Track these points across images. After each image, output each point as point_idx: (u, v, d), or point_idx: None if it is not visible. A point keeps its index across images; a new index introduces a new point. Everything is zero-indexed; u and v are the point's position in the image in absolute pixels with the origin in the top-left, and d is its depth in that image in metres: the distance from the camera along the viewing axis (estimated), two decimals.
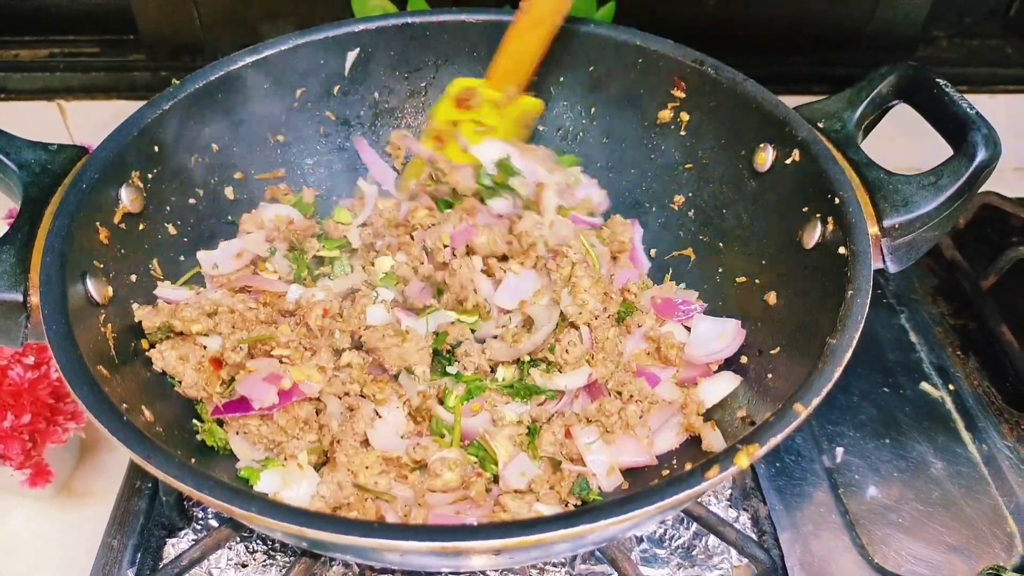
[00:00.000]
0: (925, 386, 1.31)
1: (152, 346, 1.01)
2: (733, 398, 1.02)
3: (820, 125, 1.05)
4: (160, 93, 1.08)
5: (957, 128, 0.97)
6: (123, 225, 1.01)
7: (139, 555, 1.05)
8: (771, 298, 1.05)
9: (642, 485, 0.93)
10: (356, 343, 1.06)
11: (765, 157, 1.08)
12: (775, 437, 0.78)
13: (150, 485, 1.11)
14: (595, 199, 1.26)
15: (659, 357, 1.08)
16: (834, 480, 1.17)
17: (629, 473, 1.00)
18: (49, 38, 1.63)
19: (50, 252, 0.88)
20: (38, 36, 1.63)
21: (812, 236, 0.99)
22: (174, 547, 1.08)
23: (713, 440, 0.96)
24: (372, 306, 1.09)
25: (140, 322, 1.01)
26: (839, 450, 1.22)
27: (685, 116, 1.18)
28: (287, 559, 1.07)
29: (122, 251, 1.01)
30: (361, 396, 1.02)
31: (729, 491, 1.15)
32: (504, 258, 1.14)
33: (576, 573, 1.06)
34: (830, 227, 0.96)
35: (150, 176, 1.05)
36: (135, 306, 1.02)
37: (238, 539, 1.08)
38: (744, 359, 1.05)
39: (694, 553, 1.09)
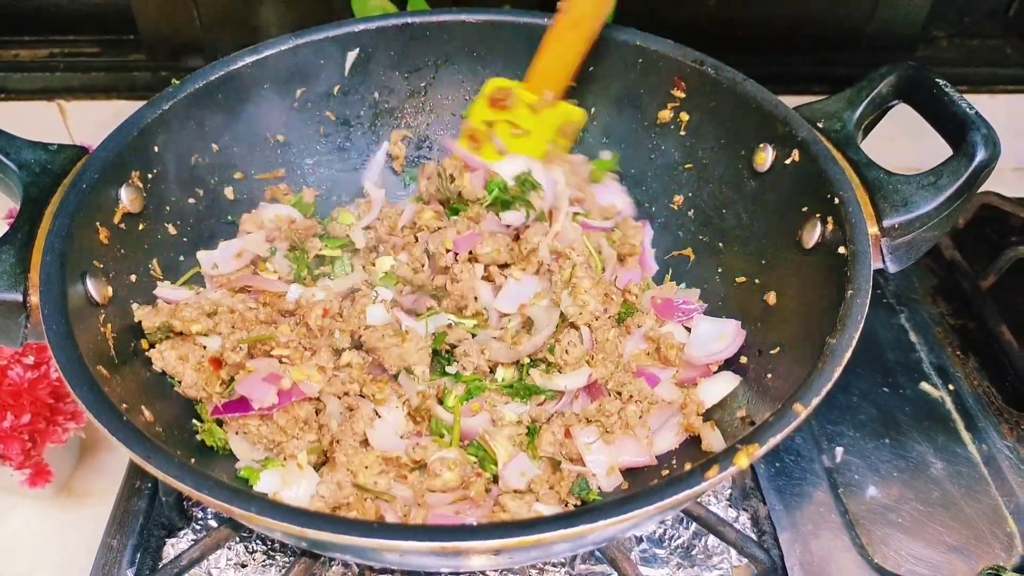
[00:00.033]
0: (925, 386, 1.31)
1: (152, 346, 1.01)
2: (733, 398, 1.02)
3: (820, 125, 1.05)
4: (160, 93, 1.08)
5: (957, 128, 0.97)
6: (123, 225, 1.01)
7: (139, 555, 1.05)
8: (771, 298, 1.05)
9: (642, 485, 0.93)
10: (356, 343, 1.06)
11: (765, 157, 1.08)
12: (775, 437, 0.78)
13: (150, 485, 1.11)
14: (619, 205, 1.25)
15: (659, 357, 1.08)
16: (834, 480, 1.17)
17: (629, 473, 1.00)
18: (49, 38, 1.63)
19: (50, 252, 0.88)
20: (38, 36, 1.63)
21: (812, 236, 0.99)
22: (174, 547, 1.08)
23: (713, 440, 0.96)
24: (372, 306, 1.09)
25: (140, 322, 1.01)
26: (839, 450, 1.22)
27: (685, 116, 1.18)
28: (287, 559, 1.07)
29: (122, 251, 1.01)
30: (361, 396, 1.02)
31: (729, 491, 1.15)
32: (505, 264, 1.14)
33: (576, 573, 1.06)
34: (830, 227, 0.96)
35: (150, 176, 1.06)
36: (135, 306, 1.02)
37: (238, 539, 1.08)
38: (744, 359, 1.05)
39: (694, 553, 1.09)
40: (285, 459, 0.97)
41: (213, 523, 1.11)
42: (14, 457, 1.07)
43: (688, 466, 0.78)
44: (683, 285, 1.20)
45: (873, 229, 0.94)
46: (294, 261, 1.18)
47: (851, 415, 1.26)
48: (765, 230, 1.09)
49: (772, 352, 1.00)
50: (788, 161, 1.04)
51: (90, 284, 0.92)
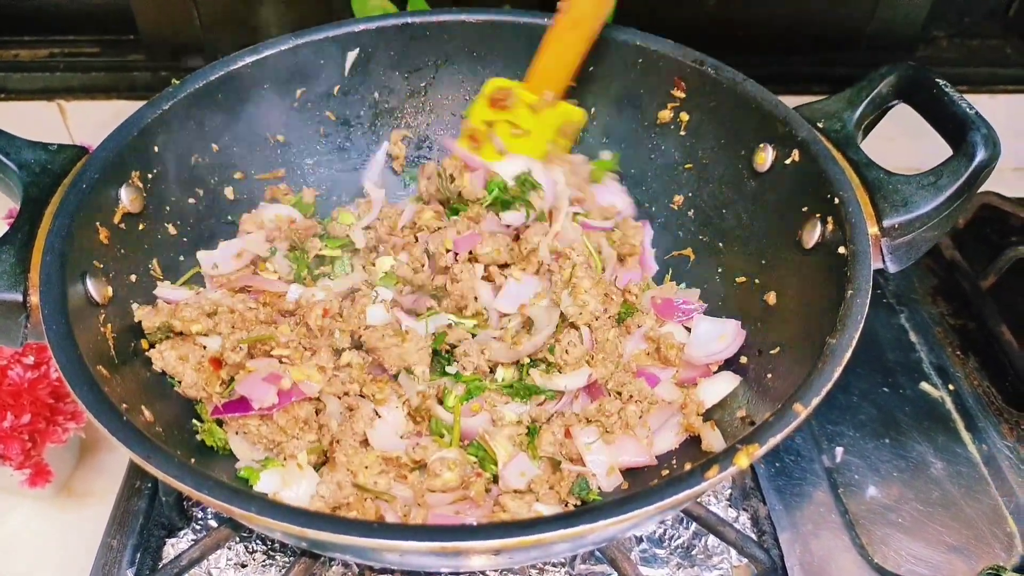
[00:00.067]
0: (925, 386, 1.31)
1: (152, 346, 1.01)
2: (733, 398, 1.02)
3: (820, 125, 1.05)
4: (160, 93, 1.08)
5: (956, 128, 0.97)
6: (123, 225, 1.01)
7: (139, 555, 1.05)
8: (771, 298, 1.05)
9: (642, 485, 0.93)
10: (356, 343, 1.06)
11: (765, 157, 1.08)
12: (775, 437, 0.78)
13: (150, 485, 1.11)
14: (619, 205, 1.25)
15: (659, 357, 1.08)
16: (834, 480, 1.17)
17: (629, 473, 1.00)
18: (49, 38, 1.63)
19: (50, 252, 0.88)
20: (38, 36, 1.63)
21: (812, 236, 0.99)
22: (173, 547, 1.08)
23: (713, 440, 0.96)
24: (372, 306, 1.09)
25: (140, 322, 1.01)
26: (839, 450, 1.22)
27: (685, 116, 1.18)
28: (286, 559, 1.07)
29: (122, 251, 1.01)
30: (361, 396, 1.02)
31: (729, 491, 1.15)
32: (505, 264, 1.14)
33: (576, 573, 1.06)
34: (830, 227, 0.96)
35: (150, 176, 1.06)
36: (135, 306, 1.02)
37: (237, 539, 1.08)
38: (744, 359, 1.05)
39: (694, 553, 1.09)
40: (285, 459, 0.97)
41: (213, 523, 1.11)
42: (14, 457, 1.07)
43: (688, 466, 0.78)
44: (683, 285, 1.20)
45: (873, 229, 0.94)
46: (294, 261, 1.18)
47: (851, 415, 1.26)
48: (765, 230, 1.09)
49: (772, 352, 0.99)
50: (788, 161, 1.04)
51: (90, 284, 0.92)
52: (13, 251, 0.89)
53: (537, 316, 1.08)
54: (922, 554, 1.10)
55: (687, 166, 1.20)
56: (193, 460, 0.93)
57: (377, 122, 1.30)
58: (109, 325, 0.94)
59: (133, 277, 1.03)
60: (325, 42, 1.19)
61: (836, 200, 0.95)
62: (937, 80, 1.02)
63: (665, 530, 1.11)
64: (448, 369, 1.07)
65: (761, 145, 1.08)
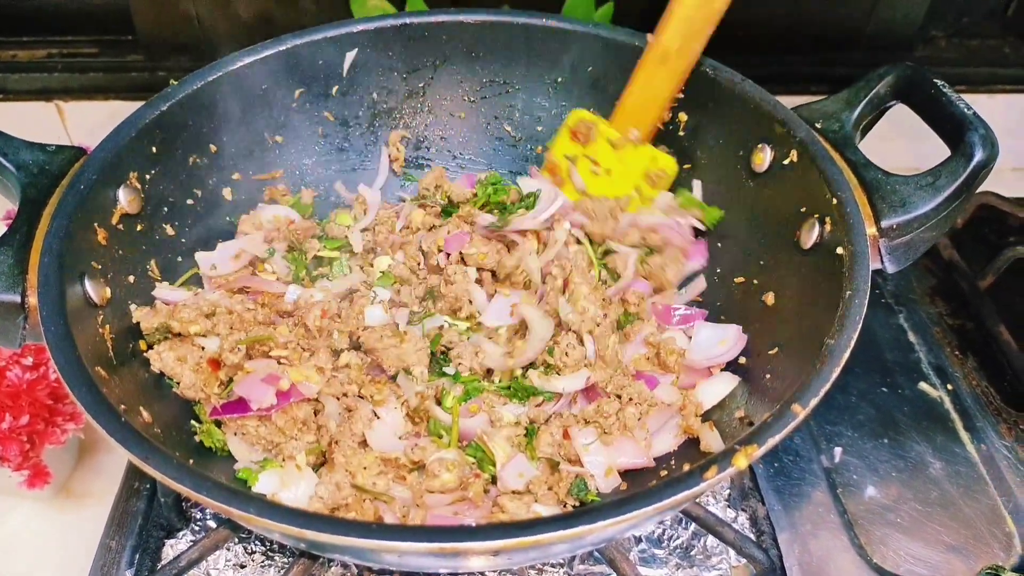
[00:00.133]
0: (923, 386, 1.31)
1: (150, 347, 1.01)
2: (731, 399, 1.02)
3: (818, 125, 1.05)
4: (158, 93, 1.08)
5: (955, 128, 0.97)
6: (121, 226, 1.01)
7: (137, 556, 1.05)
8: (769, 299, 1.05)
9: (640, 486, 0.93)
10: (354, 344, 1.06)
11: (763, 157, 1.08)
12: (773, 438, 0.77)
13: (148, 486, 1.11)
14: (696, 264, 1.18)
15: (658, 363, 1.07)
16: (832, 480, 1.17)
17: (627, 474, 1.00)
18: (47, 38, 1.63)
19: (48, 253, 0.88)
20: (36, 36, 1.62)
21: (810, 236, 0.99)
22: (172, 548, 1.08)
23: (711, 441, 0.96)
24: (370, 306, 1.09)
25: (138, 323, 1.01)
26: (837, 450, 1.22)
27: (684, 116, 1.18)
28: (285, 560, 1.07)
29: (120, 252, 1.01)
30: (359, 397, 1.02)
31: (728, 491, 1.15)
32: (496, 275, 1.14)
33: (575, 573, 1.06)
34: (828, 227, 0.96)
35: (148, 177, 1.05)
36: (133, 307, 1.01)
37: (236, 540, 1.08)
38: (742, 360, 1.05)
39: (692, 553, 1.09)
40: (284, 460, 0.97)
41: (212, 524, 1.11)
42: (13, 458, 1.07)
43: (687, 467, 0.78)
44: (682, 290, 1.19)
45: (871, 229, 0.94)
46: (292, 262, 1.18)
47: (850, 415, 1.26)
48: (763, 231, 1.09)
49: (771, 353, 0.99)
50: (786, 161, 1.04)
51: (88, 285, 0.92)
52: (11, 252, 0.89)
53: (532, 325, 1.06)
54: (921, 554, 1.10)
55: (686, 166, 1.20)
56: (191, 461, 0.93)
57: (375, 122, 1.30)
58: (107, 326, 0.94)
59: (131, 278, 1.03)
60: (323, 42, 1.19)
61: (834, 201, 0.95)
62: (935, 80, 1.02)
63: (664, 530, 1.11)
64: (446, 370, 1.07)
65: (759, 145, 1.08)
